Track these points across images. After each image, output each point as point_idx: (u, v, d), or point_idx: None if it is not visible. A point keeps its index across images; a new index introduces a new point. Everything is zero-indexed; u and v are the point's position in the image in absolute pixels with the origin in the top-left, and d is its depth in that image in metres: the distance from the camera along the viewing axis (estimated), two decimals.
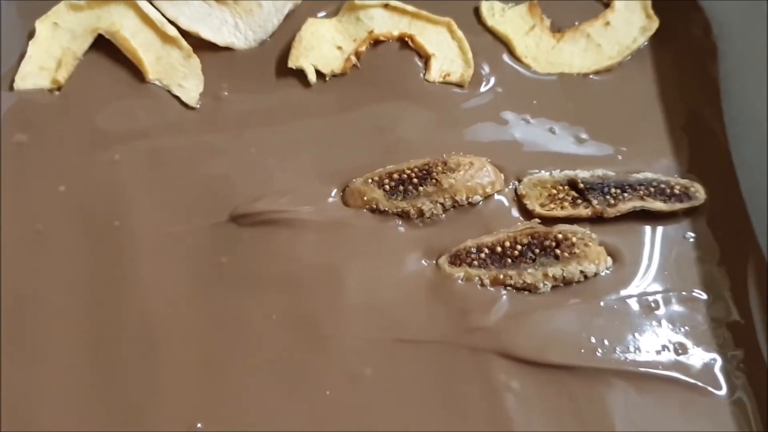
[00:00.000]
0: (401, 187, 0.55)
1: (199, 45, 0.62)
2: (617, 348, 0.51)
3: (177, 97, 0.60)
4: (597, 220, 0.55)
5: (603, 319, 0.52)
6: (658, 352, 0.51)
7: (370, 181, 0.56)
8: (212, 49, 0.62)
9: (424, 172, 0.55)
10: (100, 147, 0.58)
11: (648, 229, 0.56)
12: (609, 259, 0.54)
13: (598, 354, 0.51)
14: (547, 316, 0.52)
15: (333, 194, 0.56)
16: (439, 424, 0.49)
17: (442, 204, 0.55)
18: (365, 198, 0.55)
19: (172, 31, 0.61)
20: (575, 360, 0.51)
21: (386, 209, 0.55)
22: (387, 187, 0.55)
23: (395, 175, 0.56)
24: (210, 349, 0.51)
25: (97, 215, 0.55)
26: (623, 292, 0.54)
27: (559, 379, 0.50)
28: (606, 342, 0.51)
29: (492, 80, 0.62)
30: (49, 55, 0.60)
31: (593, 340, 0.51)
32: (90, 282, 0.53)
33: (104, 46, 0.62)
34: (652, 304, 0.53)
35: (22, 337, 0.51)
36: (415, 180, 0.55)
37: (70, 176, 0.56)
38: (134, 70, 0.61)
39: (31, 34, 0.62)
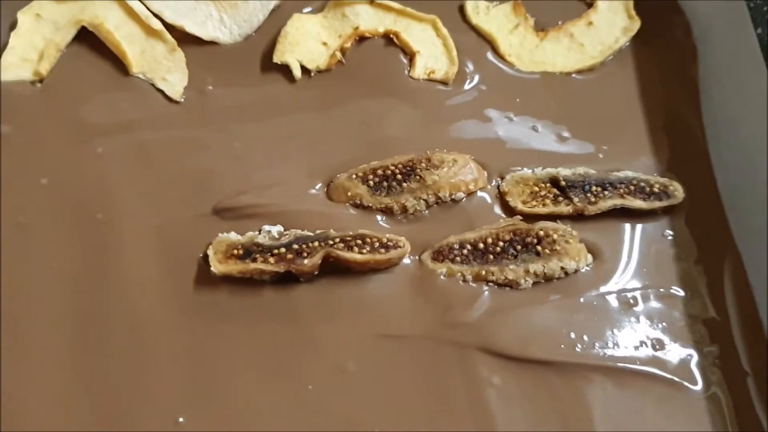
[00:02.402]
0: (385, 183, 0.55)
1: (184, 39, 0.61)
2: (596, 344, 0.52)
3: (161, 91, 0.60)
4: (578, 217, 0.56)
5: (583, 315, 0.53)
6: (636, 348, 0.52)
7: (354, 176, 0.56)
8: (197, 44, 0.62)
9: (408, 168, 0.56)
10: (83, 140, 0.57)
11: (627, 226, 0.57)
12: (589, 256, 0.55)
13: (578, 349, 0.52)
14: (528, 312, 0.53)
15: (317, 188, 0.57)
16: (422, 418, 0.50)
17: (425, 200, 0.55)
18: (349, 193, 0.55)
19: (157, 25, 0.60)
20: (556, 355, 0.51)
21: (370, 205, 0.55)
22: (371, 182, 0.55)
23: (379, 171, 0.56)
24: (193, 344, 0.51)
25: (80, 208, 0.55)
26: (603, 289, 0.54)
27: (539, 374, 0.51)
28: (585, 338, 0.52)
29: (476, 78, 0.62)
30: (31, 47, 0.60)
31: (573, 335, 0.52)
32: (73, 275, 0.53)
33: (87, 38, 0.61)
34: (631, 301, 0.54)
35: (4, 330, 0.51)
36: (399, 176, 0.55)
37: (53, 169, 0.56)
38: (118, 63, 0.61)
39: (12, 26, 0.61)
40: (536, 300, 0.53)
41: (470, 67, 0.62)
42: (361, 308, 0.52)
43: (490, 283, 0.53)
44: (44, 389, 0.49)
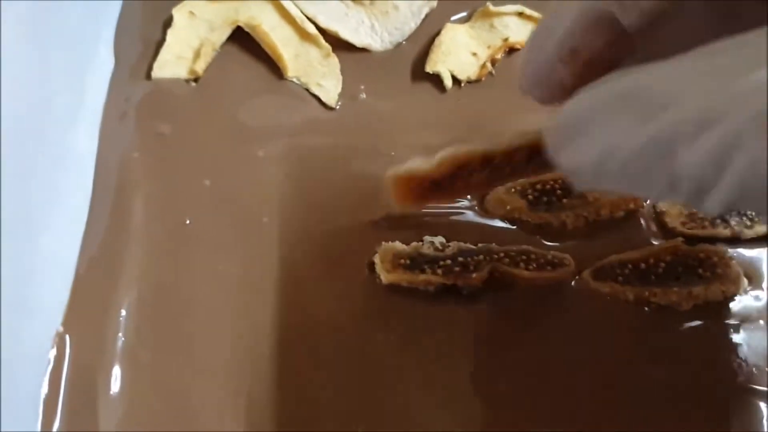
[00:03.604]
0: (545, 198, 0.56)
1: (336, 45, 0.61)
2: (755, 368, 0.52)
3: (316, 96, 0.60)
4: (733, 241, 0.56)
5: (741, 338, 0.53)
6: None
7: (512, 190, 0.56)
8: (348, 50, 0.62)
9: (569, 184, 0.55)
10: (243, 142, 0.58)
11: None
12: (746, 280, 0.55)
13: (739, 374, 0.52)
14: (689, 335, 0.53)
15: (470, 200, 0.57)
16: None
17: (585, 217, 0.55)
18: (507, 207, 0.56)
19: (312, 29, 0.61)
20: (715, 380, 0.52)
21: (528, 219, 0.56)
22: (530, 197, 0.56)
23: (538, 186, 0.56)
24: (363, 353, 0.51)
25: (245, 211, 0.55)
26: (760, 313, 0.54)
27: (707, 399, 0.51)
28: (744, 361, 0.52)
29: None
30: (186, 45, 0.60)
31: (733, 359, 0.52)
32: (240, 278, 0.53)
33: (239, 39, 0.61)
34: None
35: (172, 329, 0.51)
36: (559, 192, 0.56)
37: (215, 170, 0.56)
38: (271, 66, 0.61)
39: (166, 23, 0.61)
40: (697, 323, 0.53)
41: None
42: (525, 326, 0.53)
43: (652, 305, 0.54)
44: (210, 396, 0.49)
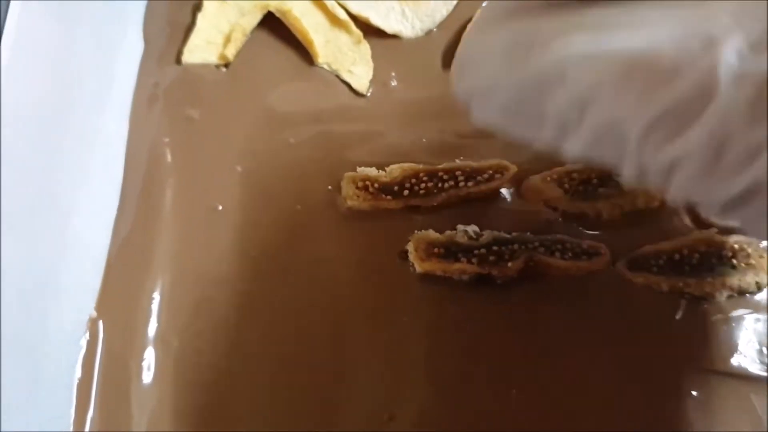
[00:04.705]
0: (581, 188, 0.55)
1: (366, 31, 0.61)
2: None
3: (346, 83, 0.59)
4: None
5: None
6: None
7: (549, 178, 0.55)
8: (378, 36, 0.61)
9: (605, 174, 0.55)
10: (274, 128, 0.57)
11: None
12: None
13: None
14: (725, 326, 0.53)
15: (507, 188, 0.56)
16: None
17: (620, 207, 0.55)
18: (544, 195, 0.55)
19: (342, 15, 0.60)
20: (751, 371, 0.51)
21: (564, 209, 0.55)
22: (566, 186, 0.55)
23: (575, 175, 0.55)
24: (395, 340, 0.51)
25: (278, 197, 0.54)
26: None
27: (736, 389, 0.51)
28: None
29: None
30: (217, 30, 0.60)
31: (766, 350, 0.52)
32: (272, 264, 0.52)
33: (269, 24, 0.61)
34: None
35: (205, 318, 0.50)
36: (596, 181, 0.55)
37: (247, 156, 0.56)
38: (302, 52, 0.60)
39: (196, 8, 0.61)
40: (732, 313, 0.53)
41: None
42: (561, 314, 0.52)
43: (687, 295, 0.53)
44: (247, 382, 0.49)
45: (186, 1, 0.61)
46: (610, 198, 0.55)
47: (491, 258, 0.51)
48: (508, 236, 0.53)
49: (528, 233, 0.53)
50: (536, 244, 0.52)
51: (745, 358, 0.52)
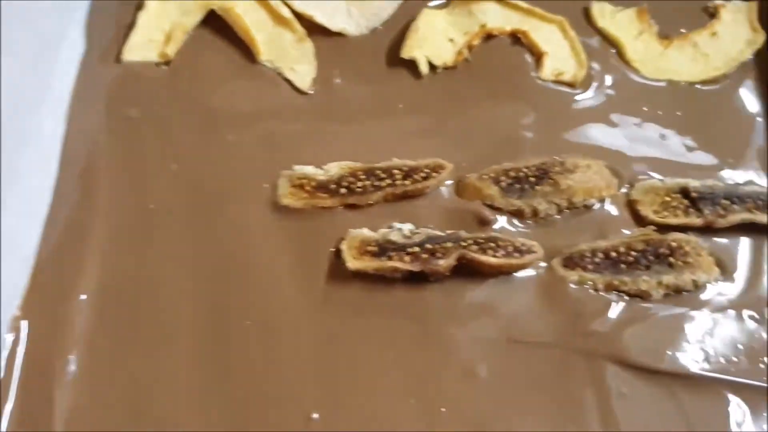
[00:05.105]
0: (517, 185, 0.55)
1: (311, 29, 0.61)
2: (723, 358, 0.52)
3: (289, 81, 0.59)
4: (705, 230, 0.55)
5: (711, 328, 0.53)
6: (763, 363, 0.52)
7: (485, 177, 0.55)
8: (323, 34, 0.61)
9: (542, 171, 0.55)
10: (213, 127, 0.57)
11: (754, 241, 0.56)
12: (717, 269, 0.54)
13: (706, 363, 0.51)
14: (659, 324, 0.52)
15: (446, 186, 0.56)
16: (550, 426, 0.49)
17: (557, 205, 0.55)
18: (480, 194, 0.55)
19: (286, 13, 0.60)
20: (684, 368, 0.51)
21: (500, 206, 0.55)
22: (503, 184, 0.55)
23: (511, 173, 0.55)
24: (325, 338, 0.50)
25: (212, 197, 0.54)
26: (730, 303, 0.54)
27: (668, 387, 0.51)
28: (713, 351, 0.52)
29: (602, 82, 0.61)
30: (158, 28, 0.60)
31: (702, 349, 0.52)
32: (204, 265, 0.52)
33: (213, 22, 0.61)
34: (757, 315, 0.53)
35: (134, 314, 0.50)
36: (532, 179, 0.55)
37: (183, 155, 0.56)
38: (244, 50, 0.60)
39: (139, 6, 0.61)
40: (666, 312, 0.53)
41: (596, 70, 0.62)
42: (490, 312, 0.52)
43: (621, 293, 0.53)
44: (171, 382, 0.48)
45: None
46: (547, 195, 0.54)
47: (424, 256, 0.51)
48: (442, 234, 0.53)
49: (462, 231, 0.53)
50: (469, 242, 0.52)
51: (678, 356, 0.51)
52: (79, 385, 0.47)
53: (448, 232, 0.53)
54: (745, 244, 0.56)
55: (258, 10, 0.60)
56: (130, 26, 0.60)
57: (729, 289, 0.54)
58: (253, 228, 0.54)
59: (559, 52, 0.61)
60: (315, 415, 0.48)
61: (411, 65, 0.61)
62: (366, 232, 0.53)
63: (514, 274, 0.53)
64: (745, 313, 0.54)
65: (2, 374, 0.47)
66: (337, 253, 0.53)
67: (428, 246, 0.52)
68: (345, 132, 0.58)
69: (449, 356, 0.51)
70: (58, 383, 0.47)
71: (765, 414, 0.50)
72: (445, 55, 0.60)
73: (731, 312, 0.53)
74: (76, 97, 0.57)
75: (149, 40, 0.59)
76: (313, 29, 0.61)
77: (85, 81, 0.58)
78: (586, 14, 0.65)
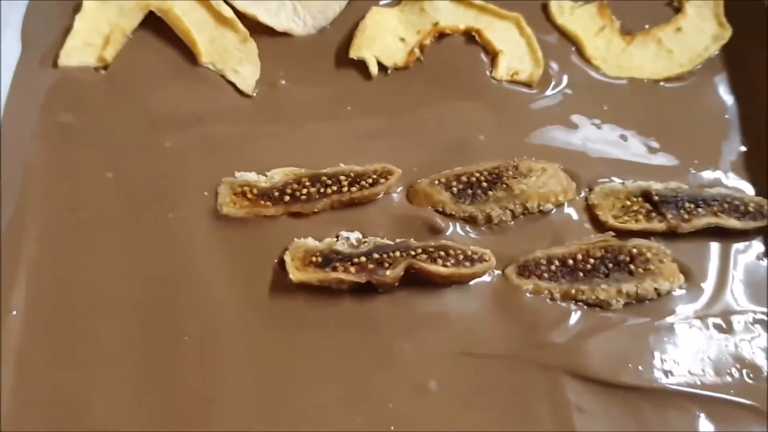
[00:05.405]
0: (469, 191, 0.53)
1: (255, 29, 0.58)
2: (688, 370, 0.49)
3: (231, 83, 0.57)
4: (669, 235, 0.53)
5: (675, 339, 0.51)
6: (730, 376, 0.49)
7: (436, 182, 0.53)
8: (269, 34, 0.59)
9: (494, 176, 0.52)
10: (151, 132, 0.55)
11: (721, 246, 0.54)
12: (681, 277, 0.52)
13: (669, 376, 0.49)
14: (619, 335, 0.50)
15: (397, 192, 0.53)
16: None
17: (511, 210, 0.52)
18: (432, 200, 0.52)
19: (228, 12, 0.57)
20: (646, 381, 0.49)
21: (452, 213, 0.52)
22: (454, 189, 0.53)
23: (463, 178, 0.53)
24: (268, 352, 0.48)
25: (149, 205, 0.52)
26: (695, 312, 0.52)
27: (628, 400, 0.48)
28: (677, 363, 0.49)
29: (560, 81, 0.59)
30: (95, 31, 0.57)
31: (664, 360, 0.50)
32: (142, 277, 0.50)
33: (154, 24, 0.58)
34: (724, 325, 0.51)
35: (68, 327, 0.48)
36: (485, 184, 0.52)
37: (119, 162, 0.53)
38: (186, 52, 0.58)
39: (77, 9, 0.58)
40: (628, 322, 0.50)
41: (554, 69, 0.59)
42: (442, 323, 0.50)
43: (579, 303, 0.50)
44: (111, 396, 0.46)
45: (69, 1, 0.58)
46: (500, 201, 0.52)
47: (371, 266, 0.48)
48: (390, 243, 0.50)
49: (412, 240, 0.50)
50: (419, 251, 0.49)
51: (641, 369, 0.49)
52: (8, 398, 0.45)
53: (398, 240, 0.50)
54: (711, 249, 0.54)
55: (198, 9, 0.57)
56: (68, 30, 0.57)
57: (694, 297, 0.52)
58: (192, 238, 0.51)
59: (515, 50, 0.59)
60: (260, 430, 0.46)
61: (360, 66, 0.58)
62: (310, 241, 0.50)
63: (467, 283, 0.51)
64: (711, 322, 0.51)
65: None
66: (281, 264, 0.50)
67: (375, 256, 0.49)
68: (290, 136, 0.55)
69: (399, 371, 0.48)
70: None
71: (734, 430, 0.47)
72: (395, 55, 0.58)
73: (696, 321, 0.51)
74: (10, 104, 0.55)
75: (86, 44, 0.57)
76: (257, 29, 0.58)
77: (20, 86, 0.56)
78: (545, 10, 0.62)
